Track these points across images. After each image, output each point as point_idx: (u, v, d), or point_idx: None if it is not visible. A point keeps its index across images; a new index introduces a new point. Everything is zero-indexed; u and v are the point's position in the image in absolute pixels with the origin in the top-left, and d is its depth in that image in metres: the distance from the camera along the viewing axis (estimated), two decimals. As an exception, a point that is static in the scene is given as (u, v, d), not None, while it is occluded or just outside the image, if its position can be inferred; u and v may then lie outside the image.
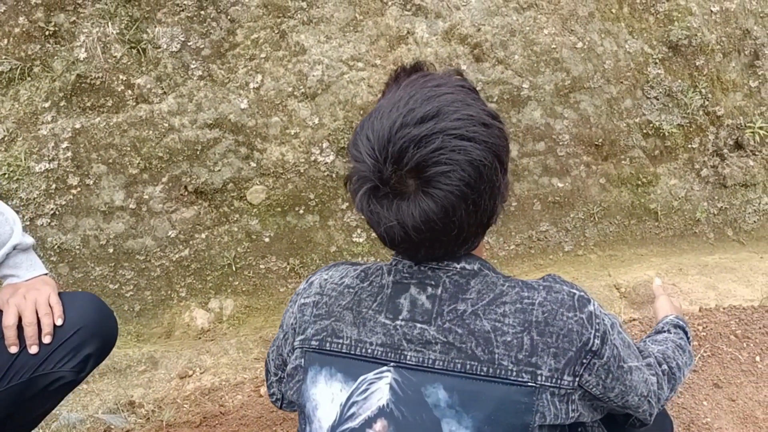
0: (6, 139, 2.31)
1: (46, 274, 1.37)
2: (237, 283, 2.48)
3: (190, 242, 2.44)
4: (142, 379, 2.10)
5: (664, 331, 1.33)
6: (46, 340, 1.23)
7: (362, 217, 0.95)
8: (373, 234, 2.56)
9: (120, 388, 2.06)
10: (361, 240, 2.55)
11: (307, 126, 2.48)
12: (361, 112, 2.49)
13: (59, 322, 1.25)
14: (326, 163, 2.50)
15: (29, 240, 1.36)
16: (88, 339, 1.27)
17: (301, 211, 2.52)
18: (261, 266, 2.51)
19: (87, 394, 2.04)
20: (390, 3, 2.52)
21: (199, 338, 2.33)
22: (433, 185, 0.86)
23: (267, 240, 2.50)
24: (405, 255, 0.97)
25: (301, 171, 2.48)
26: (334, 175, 2.51)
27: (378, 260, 2.58)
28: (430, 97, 0.90)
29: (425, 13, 2.54)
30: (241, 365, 2.14)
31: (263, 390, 2.01)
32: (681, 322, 1.36)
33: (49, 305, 1.25)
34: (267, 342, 2.26)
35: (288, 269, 2.53)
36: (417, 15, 2.54)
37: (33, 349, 1.23)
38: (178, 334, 2.36)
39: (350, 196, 0.95)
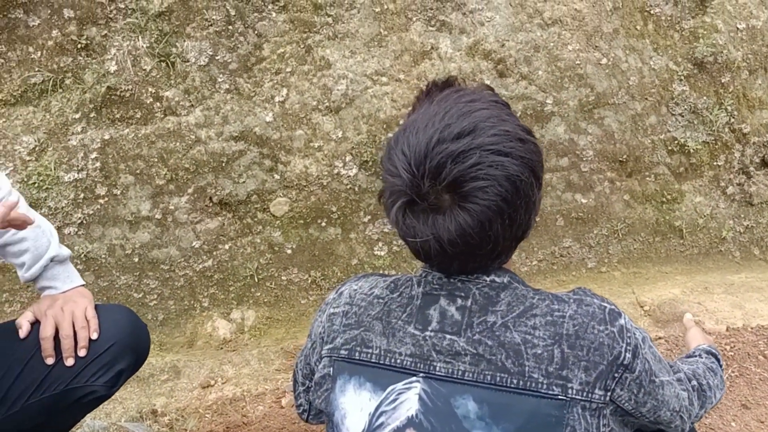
0: (37, 149, 2.36)
1: (83, 285, 1.39)
2: (259, 294, 2.49)
3: (214, 253, 2.46)
4: (164, 388, 2.12)
5: (695, 356, 1.31)
6: (82, 353, 1.24)
7: (395, 230, 0.95)
8: (395, 248, 2.57)
9: (143, 396, 2.07)
10: (382, 253, 2.55)
11: (331, 139, 2.50)
12: (385, 126, 2.51)
13: (95, 336, 1.25)
14: (349, 176, 2.51)
15: (66, 252, 1.38)
16: (122, 354, 1.27)
17: (324, 224, 2.53)
18: (283, 278, 2.52)
19: (110, 402, 2.05)
20: (414, 19, 2.54)
21: (221, 348, 2.34)
22: (470, 200, 0.87)
23: (289, 252, 2.51)
24: (438, 268, 0.98)
25: (324, 184, 2.50)
26: (356, 188, 2.53)
27: (400, 273, 2.58)
28: (465, 112, 0.90)
29: (449, 28, 2.56)
30: (263, 376, 2.15)
31: (285, 401, 2.01)
32: (713, 350, 1.34)
33: (86, 318, 1.27)
34: (288, 353, 2.27)
35: (309, 281, 2.53)
36: (441, 31, 2.55)
37: (69, 362, 1.24)
38: (201, 344, 2.38)
39: (384, 210, 0.96)
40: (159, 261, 2.41)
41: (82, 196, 2.34)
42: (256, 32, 2.43)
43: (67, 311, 1.27)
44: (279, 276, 2.51)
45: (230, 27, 2.41)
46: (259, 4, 2.43)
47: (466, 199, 0.87)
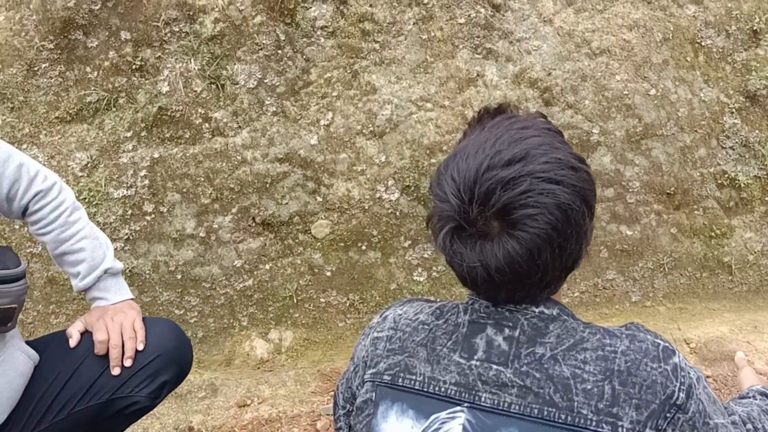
0: (89, 165, 2.43)
1: (131, 298, 1.42)
2: (297, 315, 2.50)
3: (255, 272, 2.48)
4: (201, 406, 2.13)
5: (749, 397, 1.26)
6: (128, 363, 1.27)
7: (443, 255, 0.95)
8: (434, 273, 2.55)
9: (180, 413, 2.08)
10: (421, 279, 2.54)
11: (374, 163, 2.51)
12: (428, 151, 2.51)
13: (141, 347, 1.28)
14: (391, 200, 2.51)
15: (119, 265, 1.42)
16: (166, 366, 1.29)
17: (364, 247, 2.53)
18: (321, 300, 2.52)
19: (148, 416, 2.07)
20: (461, 46, 2.55)
21: (258, 368, 2.35)
22: (519, 228, 0.86)
23: (328, 274, 2.51)
24: (484, 296, 0.96)
25: (366, 207, 2.51)
26: (397, 213, 2.53)
27: (440, 299, 2.55)
28: (517, 139, 0.90)
29: (495, 56, 2.56)
30: (299, 398, 2.14)
31: (320, 424, 2.00)
32: (767, 391, 1.28)
33: (134, 329, 1.29)
34: (324, 376, 2.26)
35: (348, 304, 2.53)
36: (487, 58, 2.56)
37: (116, 371, 1.26)
38: (238, 363, 2.39)
39: (432, 235, 0.95)
40: (201, 279, 2.44)
41: (130, 212, 2.40)
42: (304, 57, 2.48)
43: (116, 321, 1.30)
44: (317, 298, 2.51)
45: (279, 51, 2.46)
46: (308, 30, 2.47)
47: (515, 227, 0.86)
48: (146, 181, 2.41)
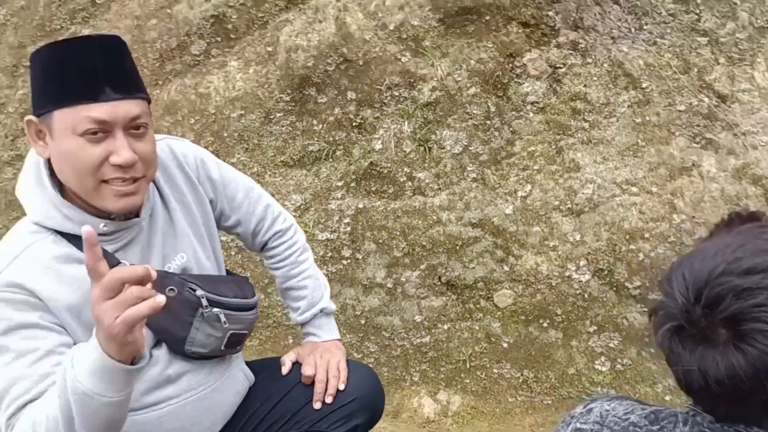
0: (302, 207, 2.68)
1: (339, 339, 1.53)
2: (468, 381, 2.49)
3: (433, 330, 2.53)
4: (367, 452, 2.19)
5: None
6: (329, 400, 1.36)
7: (661, 352, 0.91)
8: (618, 366, 2.41)
9: (347, 454, 2.16)
10: (604, 369, 2.41)
11: (567, 241, 2.47)
12: (628, 236, 2.42)
13: (342, 387, 1.37)
14: (580, 281, 2.44)
15: (333, 306, 1.54)
16: (360, 410, 1.37)
17: (545, 324, 2.48)
18: (494, 370, 2.49)
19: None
20: (678, 134, 2.45)
21: (424, 427, 2.36)
22: (748, 341, 0.80)
23: (505, 345, 2.49)
24: (701, 405, 0.91)
25: (553, 284, 2.46)
26: (586, 295, 2.44)
27: (614, 394, 2.40)
28: (762, 250, 0.85)
29: (716, 147, 2.42)
30: (461, 466, 2.12)
31: (481, 499, 1.96)
32: None
33: (338, 369, 1.39)
34: (489, 450, 2.21)
35: (521, 380, 2.47)
36: (706, 149, 2.43)
37: (317, 405, 1.36)
38: (405, 417, 2.43)
39: (652, 329, 0.93)
40: (382, 327, 2.55)
41: (330, 254, 2.59)
42: (511, 129, 2.54)
43: (324, 359, 1.40)
44: (491, 367, 2.49)
45: (488, 122, 2.54)
46: (518, 104, 2.54)
47: (743, 340, 0.80)
48: (348, 228, 2.60)
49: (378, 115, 2.63)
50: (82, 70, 1.06)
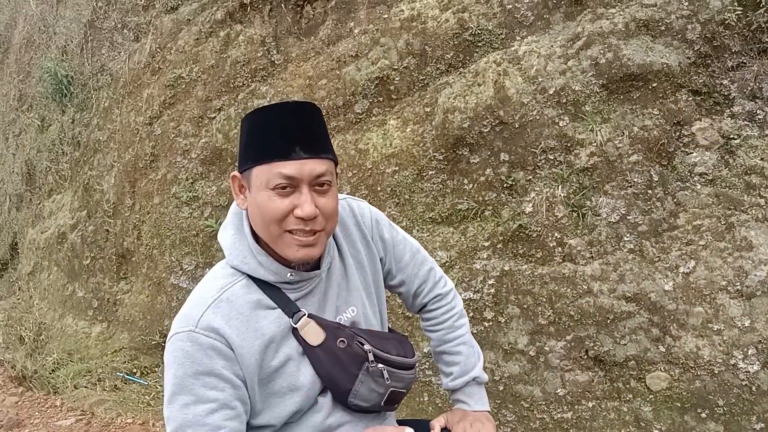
0: (447, 264, 2.69)
1: (489, 411, 1.50)
2: (612, 466, 2.32)
3: (576, 407, 2.39)
4: None
5: None
6: None
7: None
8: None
9: None
10: (774, 475, 2.13)
11: (735, 326, 2.25)
12: (809, 328, 2.16)
13: None
14: (747, 371, 2.21)
15: (485, 377, 1.53)
16: None
17: (704, 415, 2.25)
18: (642, 459, 2.30)
19: None
20: None
21: None
22: None
23: (656, 433, 2.29)
24: None
25: (715, 372, 2.24)
26: (753, 388, 2.20)
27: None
28: None
29: None
30: None
31: None
32: None
33: None
34: None
35: (673, 474, 2.25)
36: None
37: None
38: (540, 496, 2.30)
39: None
40: (521, 396, 2.45)
41: (471, 315, 2.56)
42: (675, 200, 2.40)
43: (475, 429, 1.38)
44: (639, 455, 2.30)
45: (649, 191, 2.42)
46: (684, 174, 2.40)
47: None
48: (492, 290, 2.56)
49: (530, 178, 2.61)
50: (279, 132, 1.17)
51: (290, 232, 1.18)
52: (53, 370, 3.97)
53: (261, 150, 1.17)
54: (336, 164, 1.24)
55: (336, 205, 1.22)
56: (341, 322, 1.31)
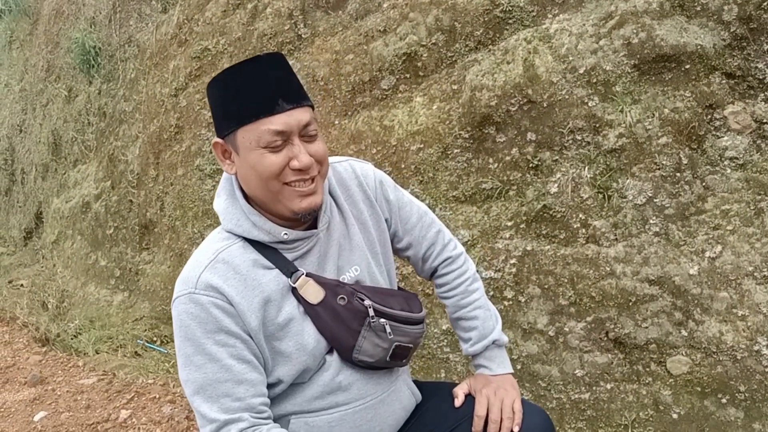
0: (468, 243, 2.69)
1: (512, 373, 1.50)
2: (628, 448, 2.32)
3: (593, 388, 2.39)
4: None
5: None
6: None
7: None
8: (813, 463, 2.11)
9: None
10: (793, 463, 2.12)
11: (760, 312, 2.23)
12: (836, 317, 2.13)
13: (516, 430, 1.34)
14: (771, 359, 2.19)
15: (505, 339, 1.52)
16: None
17: (724, 401, 2.24)
18: (659, 442, 2.29)
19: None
20: None
21: (575, 488, 2.22)
22: None
23: (675, 417, 2.28)
24: None
25: (738, 357, 2.23)
26: (776, 376, 2.18)
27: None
28: None
29: None
30: None
31: None
32: None
33: (512, 410, 1.36)
34: None
35: (689, 458, 2.25)
36: None
37: None
38: (555, 474, 2.30)
39: None
40: (539, 376, 2.45)
41: (491, 293, 2.56)
42: (704, 184, 2.37)
43: (498, 397, 1.38)
44: (656, 438, 2.29)
45: (678, 174, 2.40)
46: (714, 158, 2.37)
47: None
48: (513, 270, 2.56)
49: (557, 158, 2.59)
50: (257, 87, 1.16)
51: (288, 184, 1.18)
52: (75, 335, 4.04)
53: (242, 110, 1.17)
54: (313, 109, 1.25)
55: (325, 147, 1.23)
56: (344, 281, 1.31)
